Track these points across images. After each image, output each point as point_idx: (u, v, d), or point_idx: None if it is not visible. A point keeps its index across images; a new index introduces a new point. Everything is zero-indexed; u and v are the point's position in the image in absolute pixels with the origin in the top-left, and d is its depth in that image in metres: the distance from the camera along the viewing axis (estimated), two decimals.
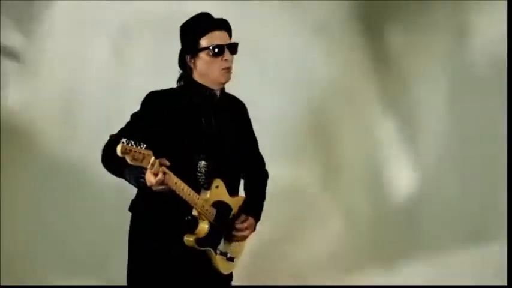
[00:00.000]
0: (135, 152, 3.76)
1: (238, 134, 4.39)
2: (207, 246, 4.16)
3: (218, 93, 4.27)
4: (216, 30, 4.18)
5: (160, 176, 3.84)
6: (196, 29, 4.19)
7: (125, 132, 4.12)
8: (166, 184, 3.90)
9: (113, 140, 4.04)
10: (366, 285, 6.91)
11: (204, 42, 4.16)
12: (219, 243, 4.24)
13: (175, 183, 3.94)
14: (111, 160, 4.06)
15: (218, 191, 4.19)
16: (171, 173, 3.91)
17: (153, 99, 4.20)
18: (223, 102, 4.32)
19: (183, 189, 3.98)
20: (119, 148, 3.72)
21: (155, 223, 4.23)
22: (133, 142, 3.76)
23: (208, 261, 4.22)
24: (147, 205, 4.24)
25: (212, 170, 4.18)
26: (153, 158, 3.82)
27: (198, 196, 4.05)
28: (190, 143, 4.18)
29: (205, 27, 4.18)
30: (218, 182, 4.19)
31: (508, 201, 6.85)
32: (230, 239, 4.30)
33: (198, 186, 4.13)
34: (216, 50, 4.15)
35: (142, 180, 3.95)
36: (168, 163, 3.86)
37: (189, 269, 4.24)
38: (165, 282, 4.24)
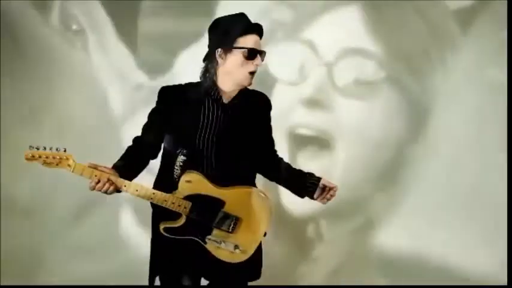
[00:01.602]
0: (46, 156, 3.96)
1: (246, 131, 4.33)
2: (180, 235, 4.22)
3: (229, 95, 4.29)
4: (254, 33, 4.22)
5: (92, 183, 4.01)
6: (237, 26, 4.20)
7: (144, 129, 4.34)
8: (108, 188, 4.04)
9: (135, 138, 4.32)
10: (366, 285, 6.76)
11: (241, 41, 4.17)
12: (207, 234, 4.25)
13: (125, 186, 4.09)
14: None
15: (191, 185, 4.19)
16: (115, 176, 4.06)
17: (161, 94, 4.29)
18: (234, 102, 4.31)
19: (136, 190, 4.12)
20: (25, 156, 3.95)
21: (157, 212, 4.32)
22: (44, 147, 3.97)
23: (205, 251, 4.27)
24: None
25: (189, 166, 4.18)
26: (71, 161, 3.99)
27: (163, 194, 4.15)
28: (179, 137, 4.23)
29: (246, 28, 4.20)
30: (191, 176, 4.19)
31: (508, 200, 6.73)
32: (230, 229, 4.28)
33: (174, 182, 4.21)
34: (251, 53, 4.17)
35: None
36: (90, 166, 4.02)
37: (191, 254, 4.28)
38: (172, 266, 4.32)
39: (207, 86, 4.23)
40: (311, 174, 4.47)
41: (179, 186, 4.17)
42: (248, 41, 4.18)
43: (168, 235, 4.21)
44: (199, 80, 4.30)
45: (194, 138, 4.20)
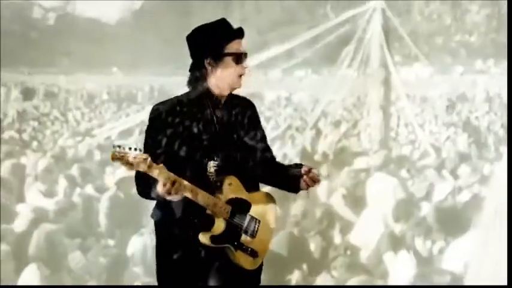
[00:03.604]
0: (128, 156, 3.82)
1: (246, 131, 4.30)
2: (223, 244, 4.08)
3: (223, 98, 4.24)
4: (239, 38, 4.22)
5: (168, 186, 3.87)
6: (222, 34, 4.17)
7: (145, 149, 4.07)
8: (178, 191, 3.90)
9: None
10: (366, 285, 6.75)
11: (229, 47, 4.16)
12: (238, 239, 4.14)
13: (185, 187, 3.93)
14: (141, 183, 4.09)
15: (232, 188, 4.12)
16: (180, 179, 3.92)
17: (158, 113, 4.14)
18: (228, 104, 4.28)
19: (192, 192, 3.96)
20: (111, 155, 3.82)
21: (172, 227, 4.15)
22: (127, 148, 3.85)
23: (228, 259, 4.14)
24: (163, 211, 4.18)
25: (221, 169, 4.12)
26: (149, 161, 3.84)
27: (208, 196, 4.01)
28: (197, 146, 4.11)
29: (230, 34, 4.19)
30: (231, 179, 4.13)
31: (508, 201, 6.65)
32: (254, 234, 4.19)
33: (211, 186, 4.08)
34: (240, 57, 4.18)
35: (152, 192, 3.97)
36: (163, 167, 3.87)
37: (210, 268, 4.16)
38: (188, 281, 4.15)
39: (203, 93, 4.18)
40: (292, 166, 4.35)
41: (224, 190, 4.09)
42: (235, 46, 4.18)
43: (213, 245, 4.05)
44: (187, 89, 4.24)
45: (212, 143, 4.13)
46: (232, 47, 4.18)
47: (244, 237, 4.16)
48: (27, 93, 25.01)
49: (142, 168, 3.83)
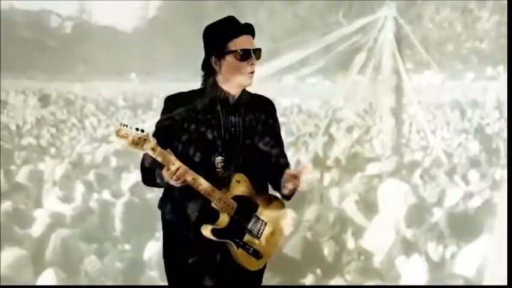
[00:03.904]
0: (133, 135, 3.75)
1: (259, 130, 4.21)
2: (225, 238, 4.03)
3: (233, 96, 4.15)
4: (243, 34, 4.08)
5: (172, 169, 3.81)
6: (225, 32, 4.07)
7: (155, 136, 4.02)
8: (183, 177, 3.84)
9: (145, 154, 3.96)
10: (365, 285, 6.75)
11: (232, 45, 4.06)
12: (241, 237, 4.08)
13: (191, 176, 3.88)
14: (146, 171, 4.02)
15: (240, 185, 4.07)
16: (185, 167, 3.86)
17: (170, 104, 4.12)
18: (241, 102, 4.18)
19: (197, 182, 3.91)
20: (115, 130, 3.76)
21: (178, 219, 4.12)
22: (132, 127, 3.77)
23: (231, 257, 4.09)
24: (170, 202, 4.14)
25: (230, 165, 4.07)
26: (153, 141, 3.80)
27: (213, 188, 3.95)
28: (206, 141, 4.05)
29: (234, 31, 4.07)
30: (240, 177, 4.08)
31: (508, 202, 6.68)
32: (259, 234, 4.12)
33: (219, 181, 4.04)
34: (244, 54, 4.05)
35: (157, 177, 3.93)
36: (169, 152, 3.82)
37: (212, 261, 4.11)
38: (191, 271, 4.09)
39: (213, 92, 4.11)
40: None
41: (231, 186, 4.05)
42: (239, 43, 4.06)
43: (214, 238, 4.00)
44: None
45: (217, 141, 4.06)
46: (237, 44, 4.06)
47: (248, 237, 4.10)
48: (45, 100, 25.08)
49: (146, 148, 3.78)
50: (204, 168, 4.01)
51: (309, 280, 8.84)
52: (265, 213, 4.15)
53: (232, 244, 4.06)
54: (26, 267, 8.83)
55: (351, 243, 10.17)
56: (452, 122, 20.98)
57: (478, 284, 6.88)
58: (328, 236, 10.07)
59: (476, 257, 8.27)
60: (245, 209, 4.09)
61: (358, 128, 19.33)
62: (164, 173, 3.86)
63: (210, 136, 4.06)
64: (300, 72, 18.94)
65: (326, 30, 18.21)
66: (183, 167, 3.84)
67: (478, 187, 12.31)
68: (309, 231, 9.84)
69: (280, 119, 4.36)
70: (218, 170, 4.06)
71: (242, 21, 4.11)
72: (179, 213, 4.10)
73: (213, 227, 3.99)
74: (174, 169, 3.82)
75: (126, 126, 3.79)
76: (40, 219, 10.52)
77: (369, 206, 11.58)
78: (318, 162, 15.24)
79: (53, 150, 17.93)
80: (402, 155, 15.97)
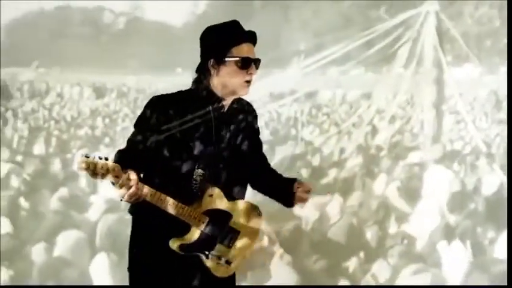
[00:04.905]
0: (96, 167, 3.52)
1: (243, 141, 4.00)
2: (192, 252, 3.84)
3: (227, 104, 3.94)
4: (247, 42, 3.86)
5: (122, 190, 3.57)
6: (229, 36, 3.83)
7: (130, 142, 3.85)
8: (139, 196, 3.62)
9: (119, 152, 3.81)
10: (365, 285, 6.68)
11: (235, 51, 3.81)
12: (211, 249, 3.88)
13: (151, 195, 3.67)
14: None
15: (212, 199, 3.84)
16: (144, 185, 3.64)
17: (157, 105, 3.86)
18: (230, 112, 3.96)
19: (160, 199, 3.69)
20: (77, 165, 3.51)
21: (149, 226, 3.87)
22: (97, 156, 3.54)
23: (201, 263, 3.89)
24: (141, 208, 3.82)
25: (208, 179, 3.84)
26: (117, 169, 3.55)
27: (181, 206, 3.74)
28: (188, 150, 3.82)
29: (238, 37, 3.84)
30: (213, 191, 3.85)
31: (508, 201, 6.56)
32: (230, 244, 3.92)
33: (192, 194, 3.83)
34: (245, 62, 3.82)
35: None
36: (135, 176, 3.57)
37: (183, 267, 3.90)
38: (160, 279, 3.90)
39: (206, 96, 3.86)
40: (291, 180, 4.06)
41: (203, 201, 3.82)
42: (241, 50, 3.82)
43: (183, 253, 3.81)
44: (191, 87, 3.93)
45: (206, 150, 3.83)
46: (239, 51, 3.81)
47: (219, 247, 3.89)
48: (99, 92, 25.30)
49: (110, 178, 3.54)
50: (185, 181, 3.83)
51: (352, 263, 8.78)
52: (239, 222, 3.95)
53: (201, 256, 3.87)
54: (85, 250, 8.89)
55: (393, 228, 10.11)
56: (490, 113, 20.83)
57: None
58: (372, 222, 10.03)
59: None
60: (217, 222, 3.86)
61: (400, 119, 19.23)
62: (118, 191, 3.62)
63: (196, 150, 3.83)
64: (342, 65, 18.84)
65: (368, 25, 18.11)
66: (139, 194, 3.62)
67: None
68: (353, 217, 9.80)
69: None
70: (194, 183, 3.82)
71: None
72: (152, 217, 3.85)
73: (181, 242, 3.81)
74: (127, 189, 3.59)
75: (88, 156, 3.56)
76: (96, 205, 10.58)
77: (410, 192, 11.52)
78: (361, 150, 15.21)
79: (106, 139, 18.06)
80: (443, 145, 15.86)
